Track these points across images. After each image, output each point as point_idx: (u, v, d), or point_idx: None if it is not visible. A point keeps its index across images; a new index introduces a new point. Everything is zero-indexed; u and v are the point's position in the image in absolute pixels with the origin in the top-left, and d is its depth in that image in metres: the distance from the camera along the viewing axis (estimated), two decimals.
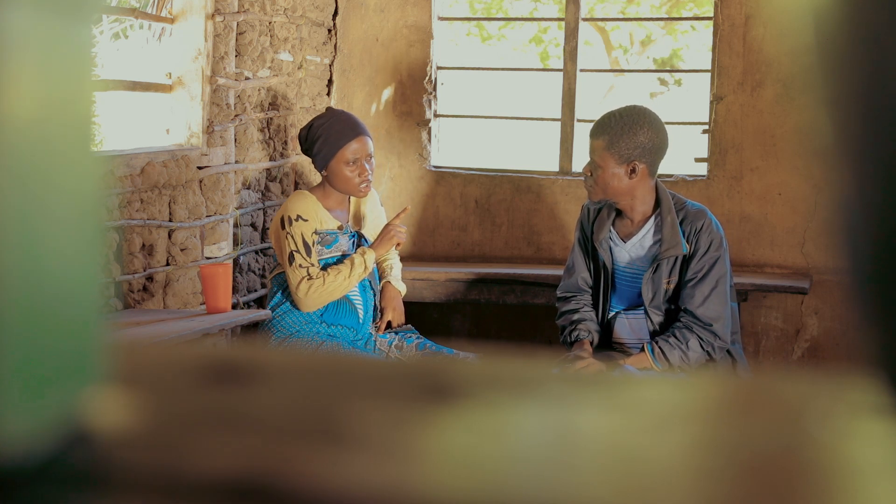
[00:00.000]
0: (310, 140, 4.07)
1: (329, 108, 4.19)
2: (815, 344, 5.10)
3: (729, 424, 0.56)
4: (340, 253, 4.07)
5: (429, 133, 5.48)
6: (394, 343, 4.13)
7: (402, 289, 4.29)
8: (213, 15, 4.47)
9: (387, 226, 4.08)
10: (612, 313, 3.85)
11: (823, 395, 0.59)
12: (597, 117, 3.84)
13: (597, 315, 3.87)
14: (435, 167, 5.48)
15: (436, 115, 5.51)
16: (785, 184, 5.06)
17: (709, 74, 5.21)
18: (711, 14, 5.22)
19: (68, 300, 0.52)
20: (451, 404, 0.57)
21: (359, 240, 4.14)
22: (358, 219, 4.23)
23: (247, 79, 4.78)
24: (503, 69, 11.41)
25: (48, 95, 0.50)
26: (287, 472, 0.48)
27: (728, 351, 3.77)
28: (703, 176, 5.18)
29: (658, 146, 3.72)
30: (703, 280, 3.67)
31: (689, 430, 0.55)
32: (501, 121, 6.38)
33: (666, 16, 15.29)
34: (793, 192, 5.05)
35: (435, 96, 5.50)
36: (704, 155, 5.20)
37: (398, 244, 4.09)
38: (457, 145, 7.17)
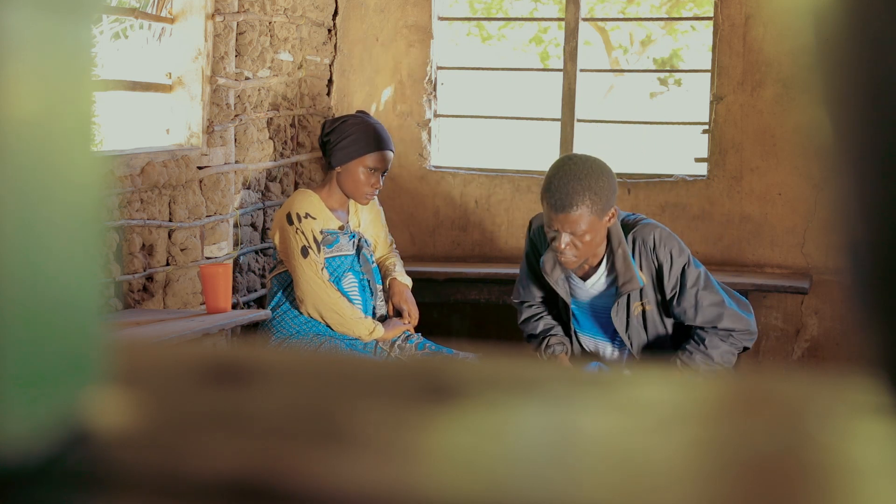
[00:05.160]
0: (339, 133, 4.05)
1: (364, 112, 4.21)
2: (815, 344, 5.11)
3: (729, 424, 0.56)
4: (341, 253, 4.07)
5: (429, 133, 5.48)
6: (396, 342, 4.14)
7: (409, 282, 4.31)
8: (213, 15, 4.47)
9: (397, 321, 4.15)
10: (581, 335, 3.77)
11: (823, 395, 0.59)
12: (559, 172, 3.47)
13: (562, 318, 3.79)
14: (435, 167, 5.49)
15: (436, 115, 5.51)
16: (785, 184, 5.06)
17: (709, 74, 5.21)
18: (711, 14, 5.22)
19: (68, 300, 0.52)
20: (451, 404, 0.57)
21: (359, 241, 4.14)
22: (357, 219, 4.23)
23: (247, 79, 4.78)
24: (503, 69, 11.42)
25: (48, 95, 0.50)
26: (287, 473, 0.48)
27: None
28: (703, 176, 5.18)
29: (615, 180, 3.54)
30: (683, 293, 3.54)
31: (689, 431, 0.55)
32: (501, 121, 6.39)
33: (666, 16, 15.29)
34: (793, 192, 5.05)
35: (435, 96, 5.50)
36: (704, 155, 5.20)
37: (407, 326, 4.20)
38: (457, 145, 7.17)
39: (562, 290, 3.67)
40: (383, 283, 4.28)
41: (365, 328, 4.00)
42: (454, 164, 5.57)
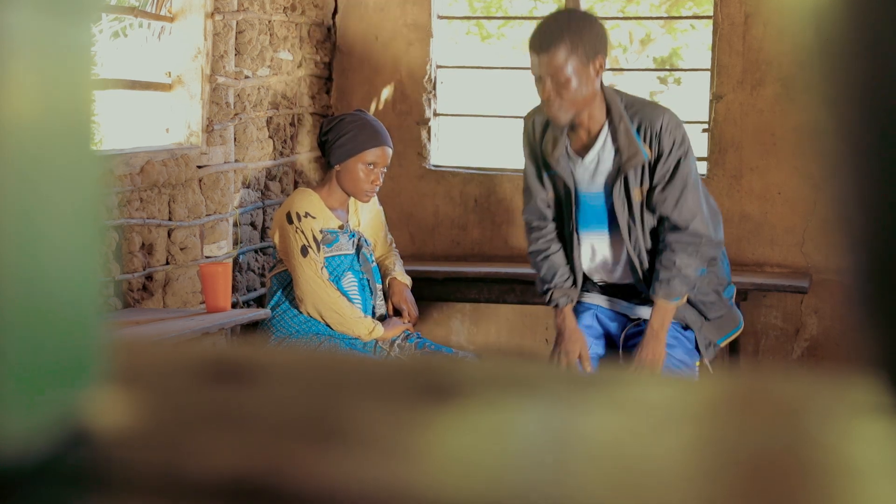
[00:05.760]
0: (337, 131, 4.06)
1: (362, 110, 4.22)
2: (814, 343, 5.11)
3: (729, 424, 0.56)
4: (340, 252, 4.07)
5: (428, 132, 5.48)
6: (396, 342, 4.14)
7: (408, 281, 4.32)
8: (212, 13, 4.47)
9: (397, 320, 4.15)
10: (582, 246, 3.63)
11: (823, 395, 0.59)
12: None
13: (564, 238, 3.66)
14: (435, 166, 5.49)
15: (435, 114, 5.51)
16: (785, 183, 5.06)
17: (708, 73, 5.21)
18: (711, 13, 5.22)
19: (68, 299, 0.52)
20: (451, 404, 0.57)
21: (358, 240, 4.14)
22: (356, 219, 4.23)
23: (246, 77, 4.78)
24: (503, 68, 11.40)
25: (48, 95, 0.50)
26: (287, 472, 0.47)
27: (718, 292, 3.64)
28: (703, 175, 5.18)
29: (606, 33, 3.49)
30: (672, 182, 3.47)
31: (689, 431, 0.55)
32: (502, 119, 6.38)
33: (665, 15, 15.29)
34: (793, 191, 5.05)
35: (434, 95, 5.50)
36: (704, 154, 5.20)
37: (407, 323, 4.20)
38: (456, 144, 7.17)
39: (564, 169, 3.53)
40: (383, 283, 4.28)
41: (364, 327, 4.00)
42: (454, 163, 5.57)
